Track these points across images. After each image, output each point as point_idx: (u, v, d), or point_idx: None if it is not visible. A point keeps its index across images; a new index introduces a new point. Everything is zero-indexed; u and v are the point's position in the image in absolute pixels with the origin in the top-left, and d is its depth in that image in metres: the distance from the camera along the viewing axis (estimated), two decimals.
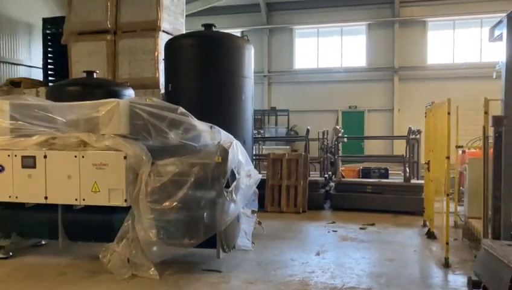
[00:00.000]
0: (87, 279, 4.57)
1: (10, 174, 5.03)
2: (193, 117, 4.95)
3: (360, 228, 6.98)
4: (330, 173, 9.88)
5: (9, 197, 5.07)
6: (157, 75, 8.87)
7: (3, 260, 5.16)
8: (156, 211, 4.54)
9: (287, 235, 6.53)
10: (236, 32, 16.68)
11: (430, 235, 6.37)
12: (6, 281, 4.54)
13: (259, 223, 5.61)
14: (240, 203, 4.93)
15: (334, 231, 6.82)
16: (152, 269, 4.58)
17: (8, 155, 5.04)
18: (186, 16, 10.24)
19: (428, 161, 6.58)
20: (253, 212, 5.47)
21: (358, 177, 9.60)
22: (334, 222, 7.40)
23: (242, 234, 5.38)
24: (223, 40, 6.58)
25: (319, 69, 19.00)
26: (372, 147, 17.35)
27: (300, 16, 18.75)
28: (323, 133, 10.23)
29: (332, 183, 9.50)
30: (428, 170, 6.60)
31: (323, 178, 9.26)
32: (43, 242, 5.81)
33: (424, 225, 7.02)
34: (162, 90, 8.59)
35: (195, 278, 4.61)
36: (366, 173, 9.62)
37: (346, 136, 10.25)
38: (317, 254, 5.57)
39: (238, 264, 5.09)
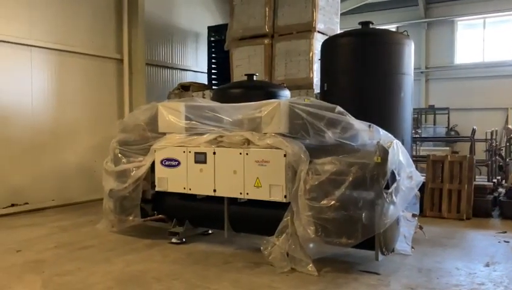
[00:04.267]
0: (250, 269, 4.87)
1: (185, 169, 5.63)
2: (351, 116, 4.92)
3: None
4: (499, 177, 8.90)
5: (184, 188, 5.66)
6: (311, 76, 9.03)
7: (177, 245, 5.77)
8: (314, 208, 4.62)
9: (450, 243, 6.07)
10: (391, 28, 16.10)
11: None
12: (181, 263, 5.08)
13: (421, 227, 5.32)
14: (400, 205, 4.74)
15: (505, 241, 6.14)
16: (310, 265, 4.68)
17: (184, 151, 5.64)
18: (340, 14, 10.22)
19: None
20: (413, 216, 5.21)
21: None
22: (505, 232, 6.66)
23: (401, 238, 5.16)
24: (382, 37, 6.40)
25: (484, 63, 17.25)
26: None
27: (463, 6, 17.24)
28: (492, 133, 9.27)
29: (501, 189, 8.56)
30: None
31: (491, 183, 8.39)
32: (210, 231, 6.34)
33: None
34: (316, 90, 8.73)
35: (353, 278, 4.58)
36: None
37: None
38: (487, 265, 5.07)
39: (397, 268, 4.91)
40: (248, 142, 5.25)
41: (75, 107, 9.28)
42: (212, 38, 11.54)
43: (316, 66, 8.89)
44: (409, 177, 4.87)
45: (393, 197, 4.60)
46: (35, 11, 8.49)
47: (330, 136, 4.84)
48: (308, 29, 9.05)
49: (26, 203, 8.32)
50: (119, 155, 6.22)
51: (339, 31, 9.65)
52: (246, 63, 9.81)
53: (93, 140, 9.51)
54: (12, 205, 8.12)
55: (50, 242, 6.01)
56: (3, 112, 8.05)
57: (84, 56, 9.42)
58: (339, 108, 4.91)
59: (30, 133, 8.49)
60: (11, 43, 8.09)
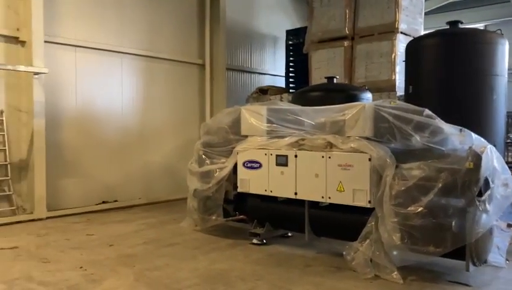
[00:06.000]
0: (333, 273, 4.82)
1: (266, 171, 5.71)
2: (440, 119, 4.72)
3: None
4: None
5: (265, 190, 5.74)
6: (393, 78, 8.77)
7: (258, 246, 5.86)
8: (400, 214, 4.48)
9: None
10: (478, 26, 15.25)
11: None
12: (263, 264, 5.15)
13: None
14: (494, 214, 4.46)
15: None
16: (395, 272, 4.55)
17: (265, 154, 5.72)
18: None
19: None
20: (509, 226, 4.90)
21: None
22: None
23: (494, 249, 4.86)
24: (472, 37, 6.09)
25: None
26: None
27: None
28: None
29: None
30: None
31: None
32: (289, 234, 6.36)
33: None
34: (398, 93, 8.47)
35: (441, 288, 4.39)
36: None
37: None
38: None
39: (490, 281, 4.63)
40: (331, 145, 5.21)
41: (160, 110, 9.75)
42: (290, 42, 11.63)
43: (399, 68, 8.63)
44: (504, 185, 4.58)
45: (487, 205, 4.35)
46: (125, 21, 9.05)
47: (418, 140, 4.68)
48: (390, 30, 8.81)
49: (116, 201, 8.87)
50: (203, 156, 6.44)
51: (422, 32, 9.31)
52: (324, 65, 9.75)
53: (177, 141, 9.94)
54: (104, 202, 8.71)
55: (139, 238, 6.36)
56: (97, 114, 8.66)
57: (169, 62, 9.88)
58: (427, 111, 4.74)
59: (120, 134, 9.05)
60: (105, 50, 8.70)
